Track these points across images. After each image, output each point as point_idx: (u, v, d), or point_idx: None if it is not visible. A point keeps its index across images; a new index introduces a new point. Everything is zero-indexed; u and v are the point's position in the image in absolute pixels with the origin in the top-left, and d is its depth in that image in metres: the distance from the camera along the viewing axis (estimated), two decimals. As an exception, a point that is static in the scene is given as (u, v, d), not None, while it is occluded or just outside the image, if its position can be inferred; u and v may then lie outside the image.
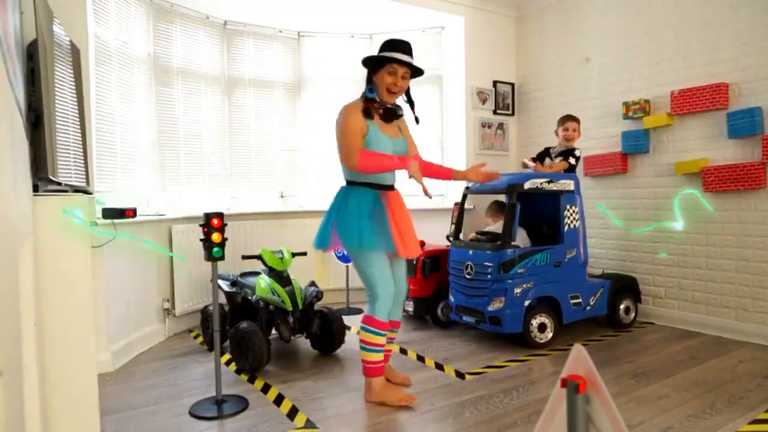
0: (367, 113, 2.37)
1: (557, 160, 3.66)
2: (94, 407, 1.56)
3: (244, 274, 3.39)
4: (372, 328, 2.37)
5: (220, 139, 4.26)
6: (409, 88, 2.49)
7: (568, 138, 3.66)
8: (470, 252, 3.34)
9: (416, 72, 2.42)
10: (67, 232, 1.52)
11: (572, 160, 3.58)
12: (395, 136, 2.46)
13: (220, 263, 2.41)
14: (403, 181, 2.53)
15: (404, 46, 2.38)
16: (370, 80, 2.43)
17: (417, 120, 2.52)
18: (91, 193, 2.38)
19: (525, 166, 3.73)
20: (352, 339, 3.25)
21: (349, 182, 2.47)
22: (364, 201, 2.38)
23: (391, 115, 2.43)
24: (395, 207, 2.43)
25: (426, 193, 2.37)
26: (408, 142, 2.57)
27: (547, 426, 1.29)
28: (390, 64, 2.34)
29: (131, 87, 3.46)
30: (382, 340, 2.39)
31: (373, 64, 2.40)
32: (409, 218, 2.51)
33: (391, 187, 2.49)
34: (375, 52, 2.45)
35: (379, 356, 2.40)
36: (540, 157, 3.81)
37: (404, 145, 2.50)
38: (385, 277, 2.38)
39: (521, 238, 3.40)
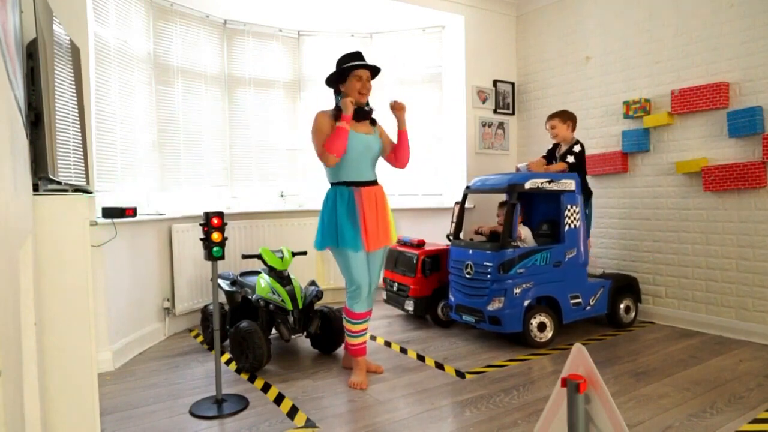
0: (337, 116, 2.59)
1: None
2: (94, 407, 1.56)
3: (244, 274, 3.39)
4: (352, 320, 2.68)
5: (220, 139, 4.26)
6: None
7: (553, 136, 3.71)
8: (470, 252, 3.34)
9: (375, 72, 2.71)
10: (67, 232, 1.52)
11: (570, 159, 3.54)
12: (367, 133, 2.71)
13: (220, 262, 2.42)
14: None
15: (360, 55, 2.67)
16: (338, 91, 2.70)
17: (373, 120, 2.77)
18: (91, 193, 2.38)
19: (518, 170, 3.73)
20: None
21: (332, 184, 2.71)
22: (341, 199, 2.62)
23: (361, 114, 2.66)
24: (366, 202, 2.62)
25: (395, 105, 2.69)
26: (384, 140, 2.79)
27: (548, 425, 1.30)
28: (355, 72, 2.61)
29: (131, 86, 3.46)
30: (363, 327, 2.70)
31: (339, 77, 2.66)
32: (384, 211, 2.71)
33: (367, 183, 2.67)
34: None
35: (362, 339, 2.71)
36: (548, 158, 3.79)
37: (376, 142, 2.72)
38: (362, 272, 2.64)
39: (527, 236, 3.39)
